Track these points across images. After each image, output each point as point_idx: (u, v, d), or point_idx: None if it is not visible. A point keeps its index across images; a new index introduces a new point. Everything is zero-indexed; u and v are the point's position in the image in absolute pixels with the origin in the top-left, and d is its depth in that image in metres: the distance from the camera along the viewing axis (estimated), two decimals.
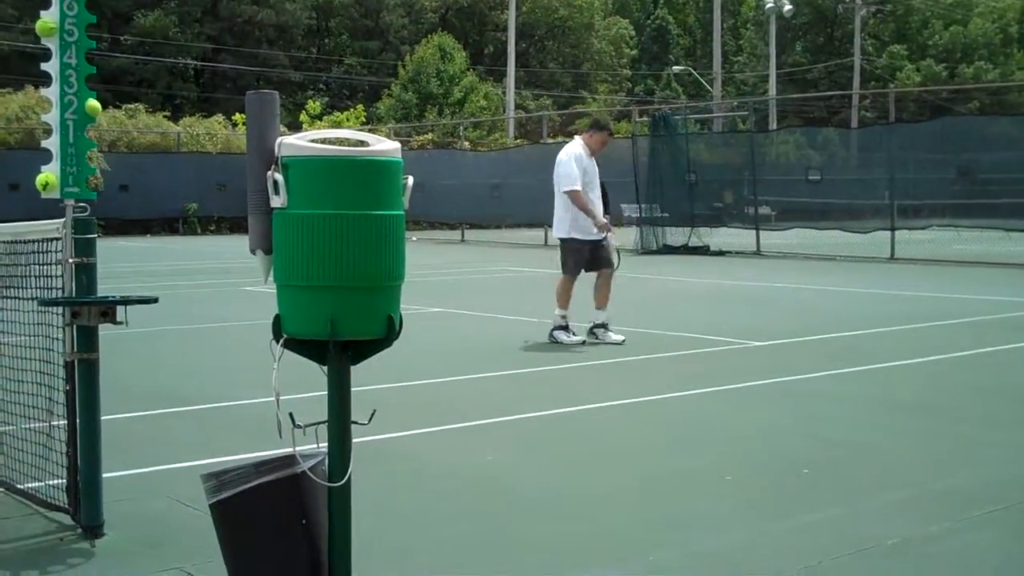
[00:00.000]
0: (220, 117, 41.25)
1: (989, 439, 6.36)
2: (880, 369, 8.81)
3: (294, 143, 3.16)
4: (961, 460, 5.89)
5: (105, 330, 4.40)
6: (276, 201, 3.16)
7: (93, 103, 4.45)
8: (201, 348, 10.31)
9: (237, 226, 35.66)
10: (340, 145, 3.25)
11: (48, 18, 4.36)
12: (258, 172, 3.21)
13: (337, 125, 42.06)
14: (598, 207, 10.17)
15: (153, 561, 4.19)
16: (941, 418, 6.99)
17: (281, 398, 3.20)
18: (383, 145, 3.23)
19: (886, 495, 5.14)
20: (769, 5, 54.83)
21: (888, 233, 22.62)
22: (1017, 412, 7.17)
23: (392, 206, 3.21)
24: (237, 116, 40.95)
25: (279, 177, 3.14)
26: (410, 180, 3.29)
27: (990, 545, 4.46)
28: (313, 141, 3.20)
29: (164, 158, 36.15)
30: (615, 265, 10.36)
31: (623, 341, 9.97)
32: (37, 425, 4.76)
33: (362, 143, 3.25)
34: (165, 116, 41.07)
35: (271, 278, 3.30)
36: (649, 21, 76.33)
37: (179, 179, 34.72)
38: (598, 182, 10.30)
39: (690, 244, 24.56)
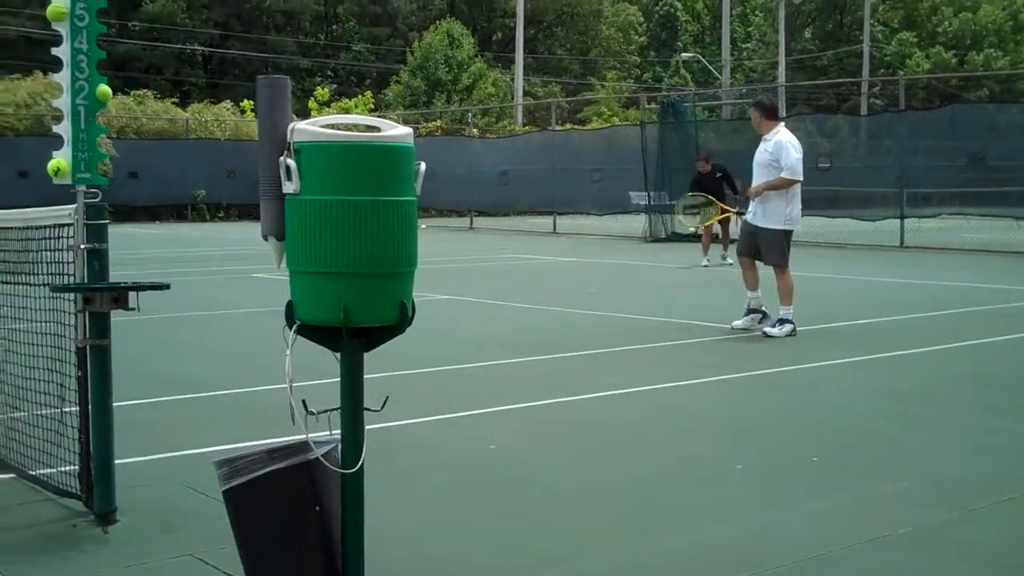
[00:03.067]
0: (228, 103, 41.27)
1: (994, 429, 6.34)
2: (888, 358, 8.79)
3: (306, 129, 3.15)
4: (967, 450, 5.87)
5: (115, 316, 4.40)
6: (288, 187, 3.15)
7: (104, 88, 4.44)
8: (211, 335, 10.32)
9: (246, 213, 35.69)
10: (352, 131, 3.24)
11: (59, 2, 4.35)
12: (270, 158, 3.20)
13: (345, 112, 42.02)
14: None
15: (166, 548, 4.20)
16: (947, 407, 6.97)
17: (293, 385, 3.20)
18: (395, 131, 3.22)
19: (895, 484, 5.13)
20: None
21: (898, 221, 22.59)
22: (1013, 403, 7.13)
23: (404, 192, 3.20)
24: (245, 103, 40.97)
25: (291, 163, 3.13)
26: (422, 166, 3.28)
27: (999, 535, 4.45)
28: (325, 127, 3.19)
29: (172, 144, 36.15)
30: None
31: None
32: (49, 411, 4.77)
33: (374, 129, 3.24)
34: (173, 102, 41.07)
35: (284, 264, 3.30)
36: (657, 8, 76.07)
37: (188, 166, 34.74)
38: (760, 163, 10.26)
39: (698, 232, 24.49)
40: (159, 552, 4.16)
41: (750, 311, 10.22)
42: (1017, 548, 4.32)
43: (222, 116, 39.49)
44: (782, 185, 10.01)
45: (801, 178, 10.06)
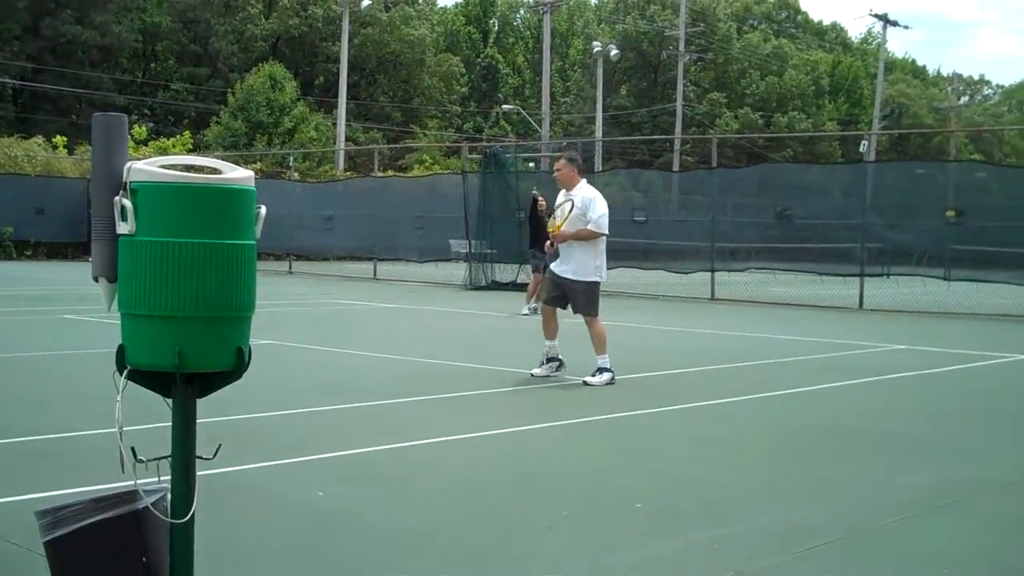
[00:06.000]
0: (40, 139, 39.88)
1: (813, 475, 6.60)
2: (705, 407, 9.05)
3: (144, 168, 3.08)
4: (788, 496, 6.08)
5: None
6: (123, 227, 3.08)
7: None
8: (21, 377, 9.84)
9: (55, 252, 34.55)
10: (192, 172, 3.19)
11: None
12: (104, 197, 3.12)
13: (163, 151, 41.07)
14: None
15: None
16: (759, 454, 7.21)
17: (115, 430, 3.11)
18: (237, 173, 3.18)
19: (715, 530, 5.27)
20: (597, 49, 56.12)
21: (709, 274, 23.35)
22: (829, 449, 7.43)
23: (244, 235, 3.16)
24: (58, 138, 39.73)
25: (127, 203, 3.06)
26: (263, 210, 3.25)
27: None
28: (164, 167, 3.13)
29: None
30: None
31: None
32: None
33: (215, 171, 3.19)
34: None
35: (114, 306, 3.20)
36: (479, 59, 77.07)
37: None
38: (570, 218, 10.34)
39: (518, 281, 24.79)
40: None
41: (549, 359, 10.41)
42: None
43: (32, 151, 38.04)
44: (588, 237, 10.21)
45: (607, 232, 10.29)
